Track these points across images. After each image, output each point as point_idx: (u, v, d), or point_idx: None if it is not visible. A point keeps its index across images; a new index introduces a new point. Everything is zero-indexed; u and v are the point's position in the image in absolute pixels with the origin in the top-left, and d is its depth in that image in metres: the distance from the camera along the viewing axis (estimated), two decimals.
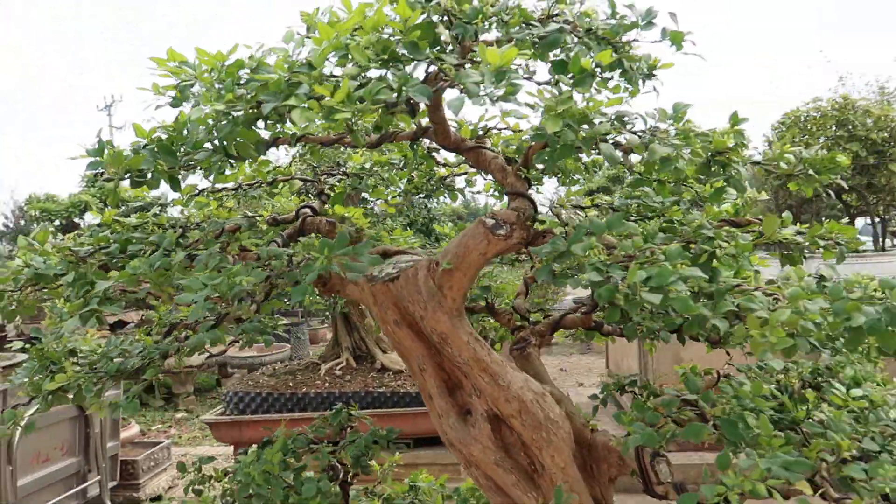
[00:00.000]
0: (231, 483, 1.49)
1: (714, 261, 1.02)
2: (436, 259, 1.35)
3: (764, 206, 6.34)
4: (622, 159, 1.07)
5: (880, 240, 6.41)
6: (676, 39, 1.07)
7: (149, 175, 1.07)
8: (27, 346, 1.43)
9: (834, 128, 5.72)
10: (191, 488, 1.58)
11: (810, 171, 1.17)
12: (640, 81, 1.22)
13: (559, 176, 1.69)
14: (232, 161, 1.07)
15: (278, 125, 0.96)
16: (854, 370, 1.24)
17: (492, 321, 1.81)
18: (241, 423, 4.30)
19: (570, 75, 0.98)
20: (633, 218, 1.34)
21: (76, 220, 12.05)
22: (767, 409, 1.11)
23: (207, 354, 7.10)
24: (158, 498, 6.38)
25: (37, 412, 1.34)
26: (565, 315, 1.59)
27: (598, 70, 1.02)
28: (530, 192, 1.38)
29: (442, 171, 1.88)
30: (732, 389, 1.20)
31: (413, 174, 1.87)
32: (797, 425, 1.15)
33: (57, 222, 11.91)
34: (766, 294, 0.97)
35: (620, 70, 1.20)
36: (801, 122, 5.77)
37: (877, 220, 6.19)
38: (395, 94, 0.84)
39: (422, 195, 2.47)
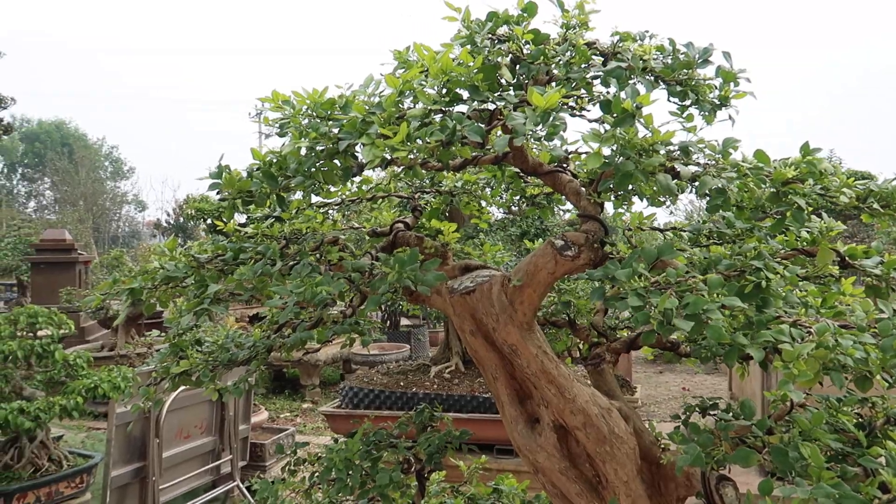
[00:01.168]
0: (318, 467, 1.68)
1: (762, 290, 1.05)
2: (509, 275, 1.46)
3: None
4: (677, 191, 1.12)
5: None
6: (729, 78, 1.11)
7: (256, 196, 1.27)
8: (162, 334, 1.69)
9: None
10: (287, 468, 1.79)
11: (874, 205, 1.15)
12: (712, 111, 1.26)
13: (648, 198, 1.74)
14: (322, 186, 1.24)
15: (357, 156, 1.12)
16: None
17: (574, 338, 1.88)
18: (353, 416, 4.58)
19: (614, 114, 1.06)
20: (703, 244, 1.37)
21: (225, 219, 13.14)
22: (828, 440, 1.11)
23: (336, 351, 7.63)
24: (283, 480, 6.90)
25: (179, 393, 1.59)
26: (640, 334, 1.64)
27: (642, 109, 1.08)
28: (602, 215, 1.44)
29: (532, 189, 1.98)
30: (798, 420, 1.21)
31: (504, 194, 1.99)
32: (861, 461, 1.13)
33: (209, 221, 13.13)
34: (801, 326, 0.98)
35: (693, 100, 1.25)
36: None
37: None
38: (448, 134, 0.96)
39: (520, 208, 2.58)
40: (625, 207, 1.74)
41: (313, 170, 1.13)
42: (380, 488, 1.57)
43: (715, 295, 0.98)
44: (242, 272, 1.26)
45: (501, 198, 1.97)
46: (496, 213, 4.54)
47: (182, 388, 4.87)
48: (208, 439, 5.90)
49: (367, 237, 1.80)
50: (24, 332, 4.33)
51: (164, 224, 27.40)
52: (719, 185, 1.07)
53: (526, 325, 1.45)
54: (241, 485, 5.99)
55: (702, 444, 1.21)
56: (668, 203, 1.74)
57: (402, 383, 4.75)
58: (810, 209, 1.23)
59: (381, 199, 1.89)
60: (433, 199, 1.99)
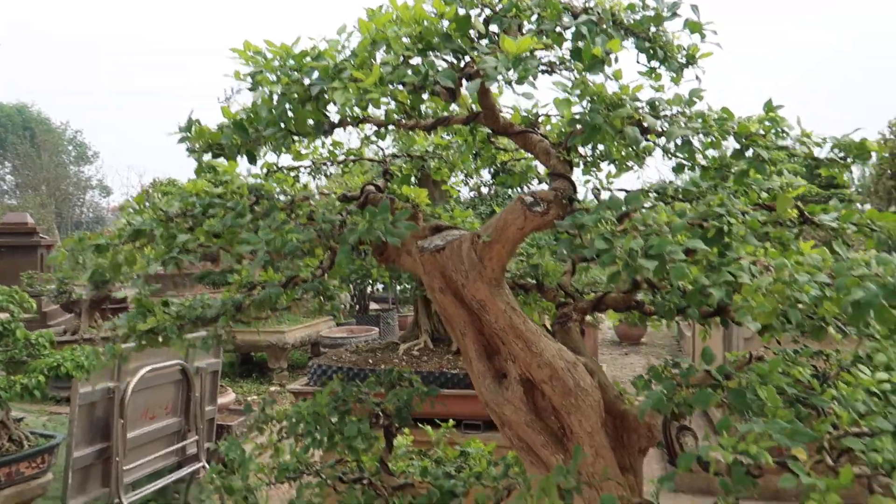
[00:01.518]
0: (288, 422, 1.69)
1: (726, 238, 1.09)
2: (478, 233, 1.48)
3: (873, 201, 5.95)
4: (642, 141, 1.15)
5: None
6: (695, 28, 1.14)
7: (226, 149, 1.27)
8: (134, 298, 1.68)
9: None
10: (255, 425, 1.79)
11: (840, 156, 1.20)
12: (679, 69, 1.29)
13: (616, 163, 1.77)
14: (295, 138, 1.24)
15: (330, 106, 1.12)
16: (887, 356, 1.26)
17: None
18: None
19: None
20: (669, 202, 1.41)
21: None
22: (784, 383, 1.16)
23: (302, 334, 7.60)
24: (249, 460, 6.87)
25: (145, 373, 1.58)
26: (607, 294, 1.68)
27: (612, 56, 1.10)
28: (571, 174, 1.47)
29: (502, 156, 2.00)
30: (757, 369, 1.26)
31: (476, 160, 2.00)
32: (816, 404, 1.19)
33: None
34: (763, 266, 1.03)
35: (661, 59, 1.28)
36: None
37: None
38: (420, 78, 0.97)
39: (505, 186, 2.59)
40: (593, 174, 1.77)
41: (284, 120, 1.13)
42: (348, 440, 1.59)
43: (679, 237, 1.01)
44: (212, 224, 1.25)
45: (472, 164, 1.99)
46: (465, 193, 4.57)
47: (148, 368, 4.77)
48: (174, 420, 5.84)
49: (338, 202, 1.80)
50: None
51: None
52: (685, 136, 1.10)
53: (495, 281, 1.47)
54: (207, 465, 5.95)
55: (664, 388, 1.25)
56: (635, 168, 1.77)
57: (370, 361, 4.76)
58: (773, 169, 1.28)
59: (352, 163, 1.89)
60: (404, 165, 2.00)
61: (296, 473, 1.75)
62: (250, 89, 1.29)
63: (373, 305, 13.62)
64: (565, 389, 1.46)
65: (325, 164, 1.86)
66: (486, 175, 4.20)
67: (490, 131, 1.85)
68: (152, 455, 5.55)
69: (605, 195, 1.52)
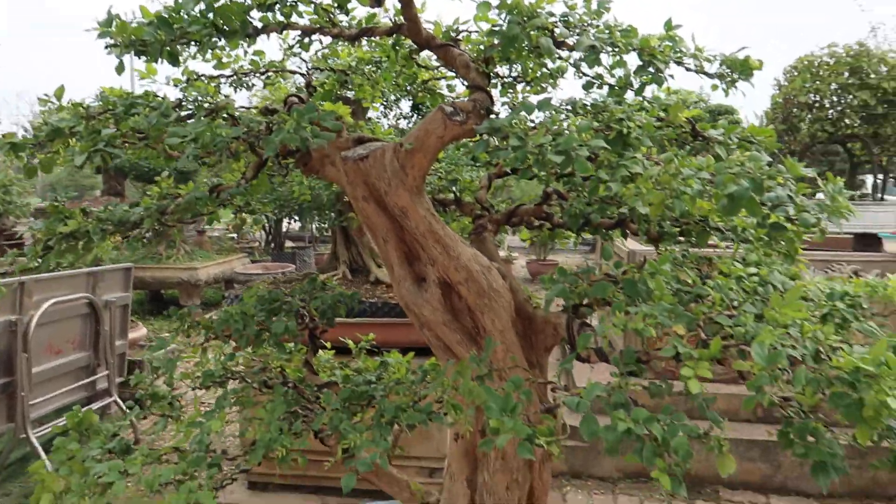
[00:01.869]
0: (216, 324, 1.75)
1: (624, 137, 1.21)
2: (401, 142, 1.55)
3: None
4: (558, 52, 1.25)
5: (879, 191, 6.52)
6: None
7: (149, 47, 1.27)
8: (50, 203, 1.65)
9: (846, 75, 5.75)
10: (181, 330, 1.84)
11: (727, 71, 1.34)
12: None
13: (531, 83, 1.87)
14: (219, 43, 1.26)
15: (254, 12, 1.14)
16: (757, 256, 1.44)
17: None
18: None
19: None
20: (581, 113, 1.53)
21: None
22: (670, 276, 1.32)
23: (216, 271, 7.49)
24: (163, 397, 6.82)
25: (49, 307, 1.57)
26: (520, 206, 1.80)
27: None
28: (489, 88, 1.56)
29: (425, 74, 2.05)
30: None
31: (397, 78, 2.05)
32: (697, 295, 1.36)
33: None
34: (652, 160, 1.16)
35: None
36: (813, 66, 5.80)
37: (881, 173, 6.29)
38: None
39: (413, 115, 2.64)
40: (510, 94, 1.87)
41: (212, 13, 1.14)
42: (275, 336, 1.67)
43: (583, 136, 1.12)
44: (137, 120, 1.26)
45: (394, 81, 2.04)
46: (385, 126, 4.58)
47: (52, 301, 4.61)
48: (82, 355, 5.70)
49: (261, 115, 1.82)
50: None
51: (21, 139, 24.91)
52: (593, 45, 1.20)
53: (416, 188, 1.56)
54: (118, 400, 5.87)
55: (568, 282, 1.39)
56: (549, 89, 1.88)
57: (286, 292, 4.78)
58: (669, 89, 1.41)
59: (274, 75, 1.90)
60: (326, 80, 2.03)
61: (221, 379, 1.81)
62: None
63: (288, 243, 13.49)
64: (480, 291, 1.58)
65: (246, 74, 1.86)
66: (405, 107, 4.24)
67: (412, 48, 1.90)
68: (60, 390, 5.42)
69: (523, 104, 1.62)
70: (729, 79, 1.35)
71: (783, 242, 1.47)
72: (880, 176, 5.95)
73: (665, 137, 1.39)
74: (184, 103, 1.46)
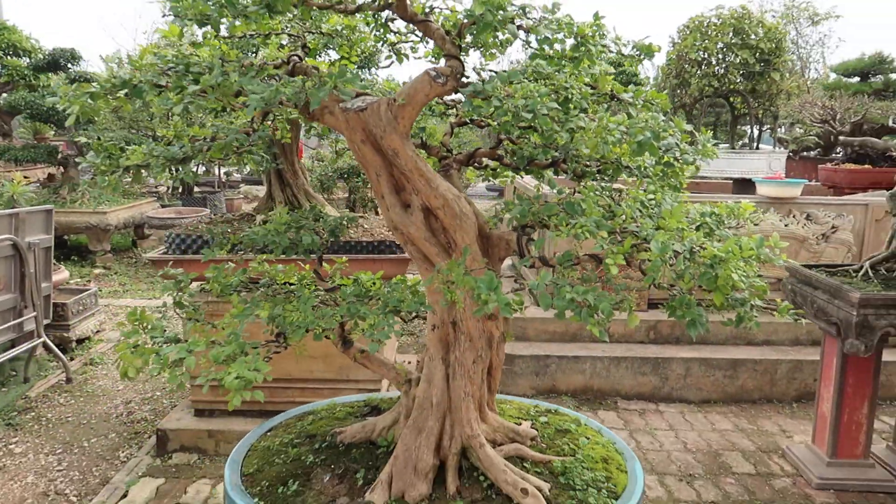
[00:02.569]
0: (254, 237, 2.18)
1: (569, 100, 1.74)
2: (393, 97, 2.03)
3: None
4: (523, 37, 1.76)
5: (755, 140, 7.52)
6: None
7: (212, 20, 1.68)
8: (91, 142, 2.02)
9: (731, 35, 6.56)
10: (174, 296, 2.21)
11: (637, 53, 1.91)
12: None
13: (482, 50, 2.37)
14: (269, 13, 1.69)
15: None
16: (654, 186, 2.05)
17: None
18: (183, 261, 4.90)
19: None
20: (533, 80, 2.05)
21: None
22: (598, 198, 1.90)
23: (127, 216, 7.67)
24: (87, 339, 6.98)
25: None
26: (477, 149, 2.33)
27: None
28: (462, 56, 2.05)
29: (393, 38, 2.51)
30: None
31: (372, 40, 2.50)
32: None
33: None
34: (589, 116, 1.72)
35: None
36: (703, 27, 6.57)
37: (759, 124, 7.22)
38: None
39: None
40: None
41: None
42: (304, 247, 2.13)
43: (543, 100, 1.64)
44: (207, 79, 1.67)
45: (370, 43, 2.49)
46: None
47: None
48: (9, 296, 5.81)
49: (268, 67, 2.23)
50: None
51: None
52: (547, 35, 1.72)
53: (405, 134, 2.05)
54: (48, 340, 6.04)
55: (525, 205, 1.93)
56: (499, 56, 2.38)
57: (229, 230, 5.11)
58: (596, 62, 1.96)
59: (273, 36, 2.31)
60: (312, 40, 2.45)
61: (239, 288, 2.25)
62: None
63: (196, 189, 13.40)
64: (453, 214, 2.11)
65: (249, 35, 2.26)
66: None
67: (389, 17, 2.36)
68: None
69: (484, 74, 2.13)
70: (638, 58, 1.91)
71: (672, 178, 2.09)
72: (756, 127, 6.84)
73: (594, 100, 1.94)
74: (226, 63, 1.86)
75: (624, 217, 1.84)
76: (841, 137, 5.08)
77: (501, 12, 1.75)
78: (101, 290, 8.55)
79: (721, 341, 6.13)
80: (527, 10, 1.84)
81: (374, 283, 2.52)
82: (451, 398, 2.17)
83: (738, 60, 6.47)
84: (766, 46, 6.39)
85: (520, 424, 2.45)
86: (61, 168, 10.14)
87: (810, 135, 8.02)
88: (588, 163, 2.16)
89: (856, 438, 4.59)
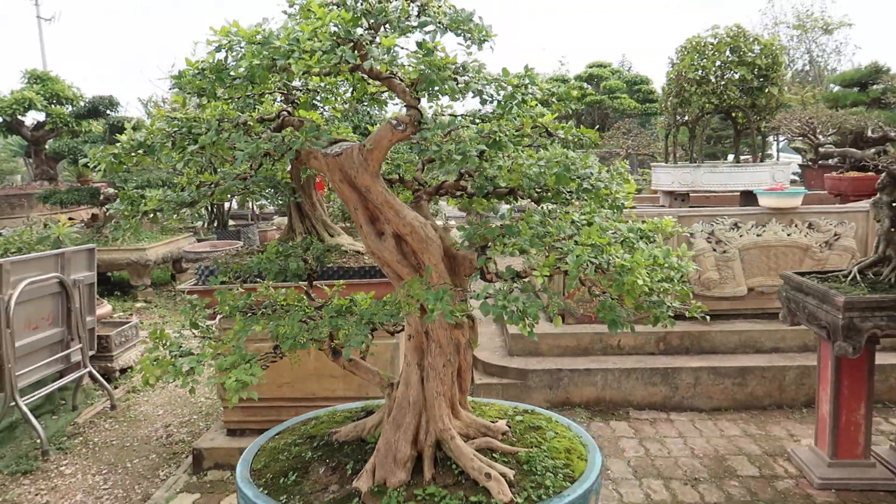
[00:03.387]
0: (247, 267, 2.61)
1: (498, 142, 2.14)
2: (363, 143, 2.45)
3: (664, 122, 7.55)
4: (458, 92, 2.17)
5: (761, 152, 7.72)
6: (478, 31, 2.15)
7: (207, 92, 2.12)
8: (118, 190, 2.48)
9: (728, 53, 6.86)
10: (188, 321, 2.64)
11: (560, 97, 2.29)
12: (480, 43, 2.31)
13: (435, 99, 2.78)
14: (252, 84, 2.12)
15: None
16: (590, 208, 2.41)
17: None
18: (213, 290, 5.39)
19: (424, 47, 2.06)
20: (477, 122, 2.45)
21: (20, 116, 12.54)
22: (534, 223, 2.28)
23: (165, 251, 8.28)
24: (129, 368, 7.53)
25: (25, 286, 2.40)
26: (444, 182, 2.73)
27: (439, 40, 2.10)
28: (420, 105, 2.47)
29: (372, 88, 2.94)
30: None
31: (352, 92, 2.94)
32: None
33: (1, 119, 12.39)
34: (511, 158, 2.09)
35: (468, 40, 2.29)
36: (700, 47, 6.88)
37: (760, 136, 7.43)
38: (337, 58, 1.89)
39: (365, 104, 3.56)
40: (434, 104, 2.78)
41: (253, 76, 2.00)
42: (292, 271, 2.55)
43: (472, 143, 2.04)
44: (204, 139, 2.10)
45: (345, 95, 2.92)
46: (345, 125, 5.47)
47: (28, 280, 5.38)
48: (56, 330, 6.38)
49: (256, 123, 2.68)
50: None
51: None
52: (478, 87, 2.12)
53: (375, 173, 2.46)
54: (93, 370, 6.58)
55: (472, 228, 2.32)
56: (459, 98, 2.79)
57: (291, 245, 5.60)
58: (532, 104, 2.35)
59: (267, 95, 2.76)
60: (302, 96, 2.90)
61: (244, 310, 2.68)
62: (217, 50, 2.14)
63: (231, 222, 14.09)
64: (420, 238, 2.51)
65: (247, 96, 2.71)
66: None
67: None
68: (39, 363, 6.12)
69: (441, 118, 2.54)
70: (564, 102, 2.30)
71: (606, 199, 2.47)
72: (760, 139, 7.07)
73: (523, 138, 2.33)
74: (222, 123, 2.30)
75: (552, 236, 2.21)
76: (821, 149, 5.31)
77: (440, 71, 2.15)
78: (142, 323, 9.15)
79: (730, 350, 6.36)
80: (463, 68, 2.24)
81: (364, 302, 2.92)
82: (426, 397, 2.55)
83: (736, 77, 6.76)
84: (763, 62, 6.66)
85: (495, 423, 2.80)
86: (103, 208, 10.89)
87: (827, 144, 8.21)
88: (538, 190, 2.54)
89: (855, 439, 4.79)
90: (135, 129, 2.22)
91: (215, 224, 13.28)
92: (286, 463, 2.63)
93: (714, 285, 6.55)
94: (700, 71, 6.74)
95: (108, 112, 11.72)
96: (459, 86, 2.20)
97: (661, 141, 11.04)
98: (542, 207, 2.51)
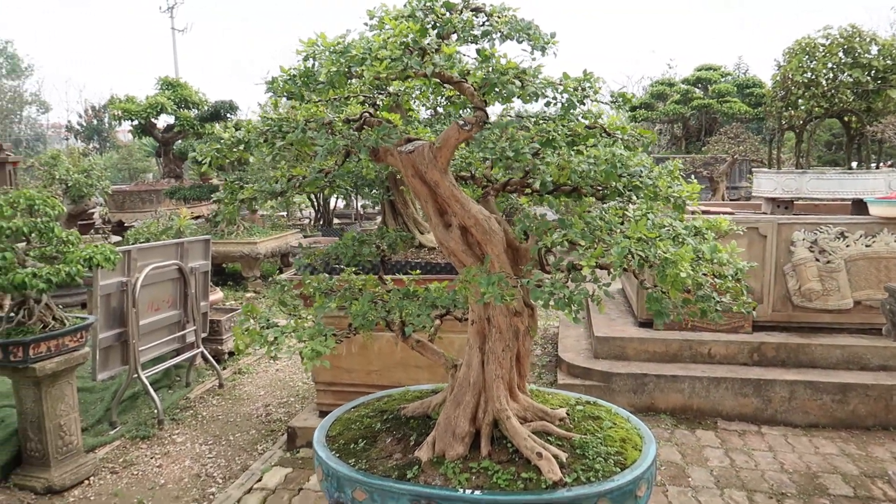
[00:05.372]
0: (323, 252, 2.93)
1: (552, 141, 2.32)
2: (434, 142, 2.70)
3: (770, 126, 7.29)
4: (516, 95, 2.37)
5: (874, 160, 7.27)
6: (537, 38, 2.34)
7: (295, 95, 2.44)
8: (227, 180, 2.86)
9: (841, 54, 6.58)
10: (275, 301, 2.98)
11: (618, 99, 2.45)
12: (542, 49, 2.51)
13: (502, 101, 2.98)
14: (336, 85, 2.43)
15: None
16: (644, 207, 2.54)
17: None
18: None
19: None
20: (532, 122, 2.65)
21: (153, 119, 13.83)
22: (585, 219, 2.44)
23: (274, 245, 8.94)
24: (237, 352, 8.18)
25: (150, 271, 2.77)
26: (510, 179, 2.93)
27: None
28: (486, 107, 2.69)
29: (448, 92, 3.19)
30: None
31: (430, 95, 3.20)
32: None
33: (136, 122, 13.71)
34: (561, 156, 2.26)
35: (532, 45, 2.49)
36: (810, 48, 6.62)
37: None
38: (404, 66, 2.14)
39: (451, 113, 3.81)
40: (506, 107, 2.99)
41: (334, 81, 2.30)
42: (363, 256, 2.85)
43: (524, 141, 2.23)
44: (290, 137, 2.43)
45: (429, 98, 3.18)
46: (424, 115, 5.74)
47: (151, 266, 6.03)
48: (174, 312, 7.07)
49: (342, 123, 2.99)
50: (23, 213, 5.28)
51: (77, 126, 26.98)
52: (536, 91, 2.32)
53: (443, 169, 2.71)
54: (205, 351, 7.22)
55: (528, 221, 2.51)
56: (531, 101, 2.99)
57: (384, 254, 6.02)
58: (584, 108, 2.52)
59: (351, 98, 3.07)
60: (384, 99, 3.19)
61: (326, 290, 2.99)
62: (304, 60, 2.46)
63: (336, 220, 14.84)
64: (483, 230, 2.72)
65: (337, 99, 3.03)
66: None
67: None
68: (158, 341, 6.81)
69: (505, 118, 2.74)
70: (617, 104, 2.44)
71: (671, 200, 2.59)
72: (876, 145, 6.71)
73: (586, 138, 2.49)
74: (308, 123, 2.62)
75: (602, 230, 2.36)
76: None
77: (501, 76, 2.37)
78: None
79: (831, 365, 6.14)
80: (524, 73, 2.44)
81: (437, 290, 3.17)
82: (485, 379, 2.76)
83: (850, 79, 6.48)
84: (881, 64, 6.35)
85: (555, 409, 2.97)
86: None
87: None
88: (598, 188, 2.70)
89: None
90: (236, 127, 2.58)
91: (321, 222, 14.03)
92: (357, 432, 2.91)
93: (816, 296, 6.34)
94: (809, 73, 6.53)
95: (227, 115, 12.72)
96: (518, 89, 2.40)
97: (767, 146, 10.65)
98: (601, 204, 2.66)
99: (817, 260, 6.29)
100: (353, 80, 2.70)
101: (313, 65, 2.43)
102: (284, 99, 2.49)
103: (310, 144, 2.43)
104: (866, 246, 6.20)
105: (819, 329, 6.34)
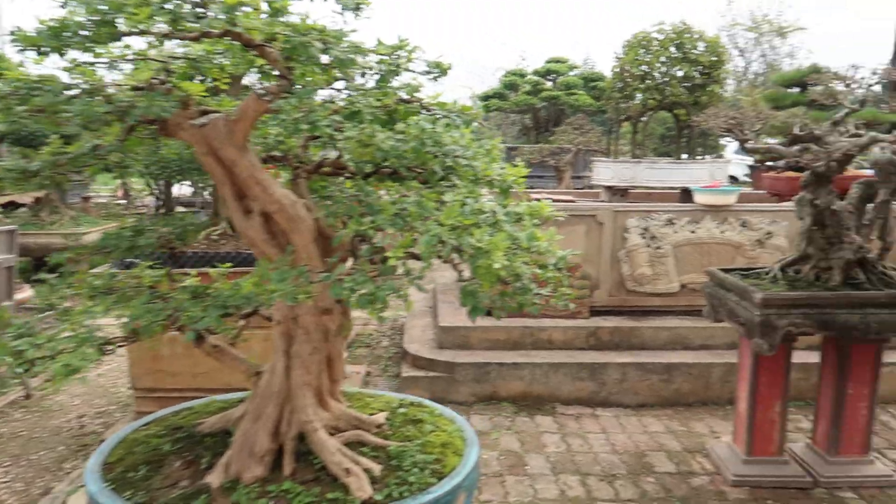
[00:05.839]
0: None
1: (357, 116, 2.00)
2: (229, 113, 2.30)
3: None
4: (317, 60, 2.03)
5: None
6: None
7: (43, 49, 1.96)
8: None
9: (673, 49, 6.83)
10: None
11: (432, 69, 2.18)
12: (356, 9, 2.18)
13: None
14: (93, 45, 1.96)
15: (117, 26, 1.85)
16: (465, 191, 2.30)
17: None
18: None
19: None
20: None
21: None
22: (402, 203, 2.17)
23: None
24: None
25: None
26: (325, 159, 2.59)
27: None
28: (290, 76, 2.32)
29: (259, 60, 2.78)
30: None
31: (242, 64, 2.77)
32: None
33: None
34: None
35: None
36: (646, 42, 6.84)
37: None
38: (172, 14, 1.76)
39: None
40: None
41: (88, 31, 1.84)
42: (140, 249, 2.40)
43: (323, 113, 1.91)
44: (37, 101, 1.94)
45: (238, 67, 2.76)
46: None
47: None
48: None
49: (130, 90, 2.50)
50: None
51: None
52: (342, 57, 1.99)
53: (241, 146, 2.31)
54: None
55: (332, 206, 2.19)
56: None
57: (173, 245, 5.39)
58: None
59: (142, 62, 2.59)
60: (182, 65, 2.73)
61: (105, 290, 2.51)
62: (61, 6, 1.98)
63: (179, 209, 13.74)
64: (288, 217, 2.36)
65: (117, 61, 2.53)
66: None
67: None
68: None
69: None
70: (433, 74, 2.18)
71: (495, 184, 2.35)
72: (708, 138, 7.12)
73: (393, 111, 2.20)
74: (71, 86, 2.13)
75: (413, 216, 2.08)
76: (746, 145, 5.31)
77: (303, 36, 2.01)
78: (70, 310, 8.83)
79: (659, 346, 6.34)
80: (327, 36, 2.10)
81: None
82: (290, 387, 2.41)
83: (680, 74, 6.73)
84: (707, 60, 6.65)
85: (372, 415, 2.68)
86: (48, 193, 10.51)
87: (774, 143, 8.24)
88: (419, 170, 2.42)
89: (770, 436, 4.77)
90: None
91: (162, 210, 12.94)
92: (141, 456, 2.47)
93: (647, 281, 6.52)
94: (644, 66, 6.70)
95: None
96: (320, 52, 2.06)
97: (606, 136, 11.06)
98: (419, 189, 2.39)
99: (648, 246, 6.47)
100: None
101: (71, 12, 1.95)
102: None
103: (60, 112, 1.95)
104: (691, 232, 6.45)
105: (650, 312, 6.53)
